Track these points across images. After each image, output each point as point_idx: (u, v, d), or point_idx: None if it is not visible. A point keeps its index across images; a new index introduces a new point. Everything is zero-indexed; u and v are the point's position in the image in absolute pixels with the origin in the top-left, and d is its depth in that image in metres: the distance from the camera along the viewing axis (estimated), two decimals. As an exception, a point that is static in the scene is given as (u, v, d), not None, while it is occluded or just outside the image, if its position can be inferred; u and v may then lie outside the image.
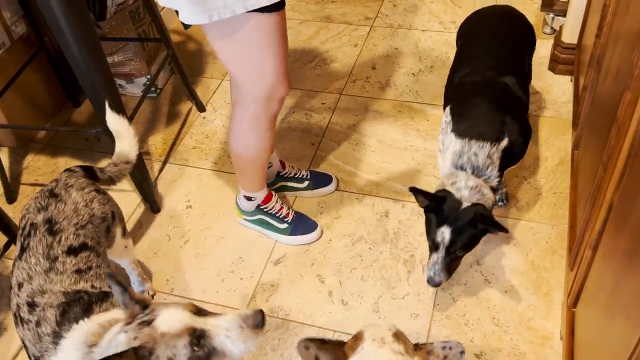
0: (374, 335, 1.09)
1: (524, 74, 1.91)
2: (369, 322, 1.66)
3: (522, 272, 1.85)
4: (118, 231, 1.64)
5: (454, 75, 1.93)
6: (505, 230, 1.57)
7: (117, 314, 1.23)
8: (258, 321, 1.09)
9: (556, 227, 1.95)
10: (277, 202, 2.02)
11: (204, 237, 2.07)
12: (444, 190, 1.64)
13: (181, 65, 2.47)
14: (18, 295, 1.32)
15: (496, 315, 1.75)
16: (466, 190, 1.62)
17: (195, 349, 1.06)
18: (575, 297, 1.53)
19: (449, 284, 1.82)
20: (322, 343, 1.07)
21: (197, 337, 1.06)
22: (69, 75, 2.49)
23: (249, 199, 2.00)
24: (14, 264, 1.38)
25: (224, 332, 1.08)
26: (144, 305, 1.12)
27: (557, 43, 2.45)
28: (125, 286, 1.13)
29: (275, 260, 1.98)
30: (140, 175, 2.11)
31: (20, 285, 1.32)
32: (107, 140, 2.38)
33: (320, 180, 2.17)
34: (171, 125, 2.53)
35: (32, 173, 2.38)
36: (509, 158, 1.73)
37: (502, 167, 1.72)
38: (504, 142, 1.69)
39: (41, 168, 2.40)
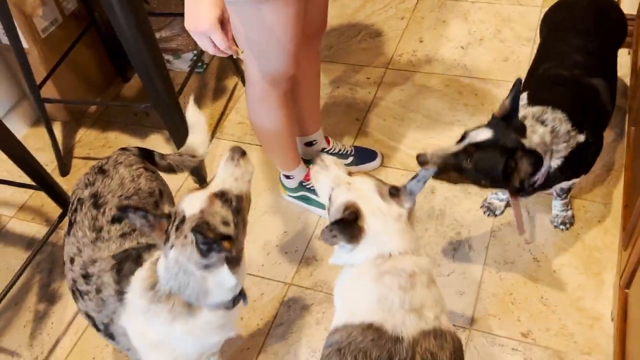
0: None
1: (615, 77, 1.75)
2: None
3: (573, 252, 1.80)
4: (166, 209, 1.66)
5: (538, 66, 1.76)
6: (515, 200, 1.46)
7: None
8: (238, 150, 1.28)
9: (609, 205, 1.89)
10: None
11: (249, 212, 2.09)
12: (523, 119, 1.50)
13: (227, 40, 2.47)
14: (72, 270, 1.37)
15: (544, 295, 1.72)
16: (538, 136, 1.47)
17: (228, 203, 1.20)
18: (629, 278, 1.48)
19: (495, 262, 1.80)
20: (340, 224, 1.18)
21: (221, 195, 1.20)
22: (118, 50, 2.53)
23: (287, 177, 2.01)
24: (64, 240, 1.43)
25: (229, 178, 1.24)
26: (168, 215, 1.20)
27: (615, 14, 2.33)
28: (142, 209, 1.18)
29: (320, 235, 1.99)
30: (188, 150, 2.14)
31: (72, 260, 1.37)
32: (155, 115, 2.42)
33: (364, 156, 2.15)
34: (217, 100, 2.55)
35: (84, 147, 2.45)
36: (576, 162, 1.58)
37: (569, 169, 1.58)
38: (581, 137, 1.54)
39: (92, 142, 2.46)
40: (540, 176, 1.50)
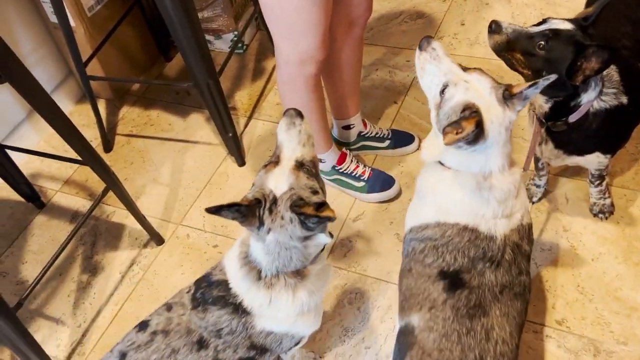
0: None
1: None
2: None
3: (612, 241, 1.77)
4: None
5: None
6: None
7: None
8: (295, 113, 1.25)
9: (652, 195, 1.85)
10: (352, 161, 2.03)
11: (285, 191, 2.11)
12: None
13: (267, 21, 2.49)
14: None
15: (581, 283, 1.70)
16: None
17: (310, 172, 1.21)
18: (670, 269, 1.46)
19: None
20: None
21: (301, 166, 1.20)
22: (161, 30, 2.58)
23: (320, 160, 2.02)
24: None
25: (297, 146, 1.22)
26: (257, 200, 1.17)
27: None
28: (233, 204, 1.14)
29: (355, 217, 2.00)
30: (227, 130, 2.18)
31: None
32: (196, 95, 2.46)
33: (401, 139, 2.15)
34: (256, 81, 2.57)
35: (127, 124, 2.51)
36: (613, 125, 1.53)
37: (604, 129, 1.53)
38: (624, 99, 1.50)
39: (135, 120, 2.52)
40: (581, 108, 1.47)
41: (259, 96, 2.50)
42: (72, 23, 2.20)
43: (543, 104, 1.51)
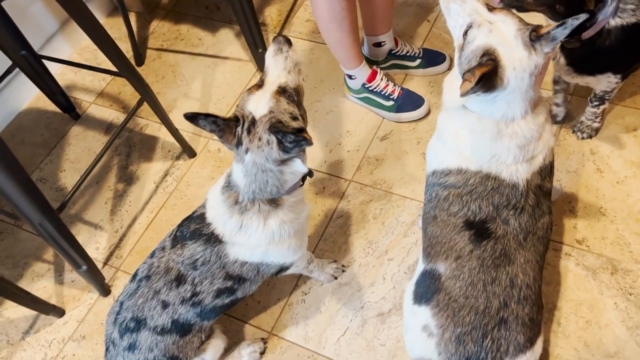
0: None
1: None
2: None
3: (639, 165, 1.78)
4: None
5: None
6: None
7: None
8: (284, 41, 1.27)
9: (685, 121, 1.83)
10: (382, 79, 2.03)
11: (314, 110, 2.14)
12: None
13: None
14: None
15: (604, 205, 1.72)
16: None
17: (291, 98, 1.24)
18: (695, 192, 1.47)
19: (557, 170, 1.80)
20: None
21: (283, 91, 1.23)
22: (190, -59, 2.52)
23: (350, 77, 2.02)
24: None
25: (283, 72, 1.25)
26: (236, 118, 1.23)
27: None
28: (211, 114, 1.20)
29: (382, 136, 2.03)
30: (257, 46, 2.18)
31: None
32: (226, 9, 2.44)
33: (432, 58, 2.13)
34: (286, -4, 2.54)
35: (157, 38, 2.52)
36: (628, 44, 1.50)
37: (620, 48, 1.50)
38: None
39: (165, 34, 2.53)
40: (596, 24, 1.44)
41: (288, 12, 2.48)
42: None
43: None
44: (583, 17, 1.13)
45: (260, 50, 2.19)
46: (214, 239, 1.36)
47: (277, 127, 1.19)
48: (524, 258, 1.26)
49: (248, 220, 1.32)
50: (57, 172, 2.15)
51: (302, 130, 1.22)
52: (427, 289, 1.32)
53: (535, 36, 1.16)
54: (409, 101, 2.03)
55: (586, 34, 1.47)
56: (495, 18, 1.18)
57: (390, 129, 2.04)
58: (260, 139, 1.21)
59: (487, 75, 1.14)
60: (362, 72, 2.00)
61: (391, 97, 2.03)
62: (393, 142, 2.00)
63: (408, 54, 2.13)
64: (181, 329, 1.41)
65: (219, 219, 1.35)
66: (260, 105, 1.21)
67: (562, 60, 1.60)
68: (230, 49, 2.41)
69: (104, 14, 2.63)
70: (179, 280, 1.38)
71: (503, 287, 1.24)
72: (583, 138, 1.86)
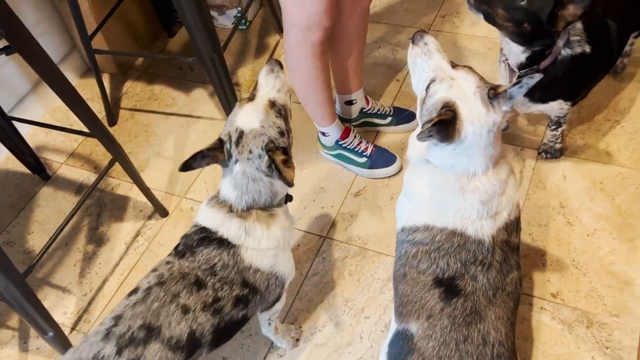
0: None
1: (625, 38, 1.81)
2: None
3: (607, 217, 1.81)
4: None
5: None
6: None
7: None
8: (276, 62, 1.36)
9: (648, 174, 1.88)
10: (355, 137, 2.06)
11: (288, 166, 2.14)
12: None
13: (271, -3, 2.50)
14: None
15: (576, 258, 1.74)
16: None
17: (280, 112, 1.32)
18: (662, 244, 1.50)
19: (529, 224, 1.82)
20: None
21: (273, 105, 1.31)
22: (165, 5, 2.59)
23: (323, 134, 2.04)
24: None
25: (272, 90, 1.33)
26: (219, 140, 1.30)
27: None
28: (197, 153, 1.26)
29: (356, 192, 2.04)
30: (230, 105, 2.20)
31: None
32: (199, 70, 2.48)
33: (403, 116, 2.17)
34: (260, 57, 2.59)
35: (131, 99, 2.53)
36: (576, 71, 1.64)
37: (570, 75, 1.63)
38: (587, 47, 1.60)
39: (139, 94, 2.54)
40: (552, 54, 1.57)
41: (261, 72, 2.52)
42: (77, -4, 2.21)
43: (520, 54, 1.60)
44: (538, 77, 1.18)
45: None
46: (226, 243, 1.32)
47: (270, 149, 1.26)
48: (494, 314, 1.25)
49: (251, 224, 1.32)
50: (25, 234, 2.10)
51: (288, 159, 1.29)
52: (401, 350, 1.29)
53: (493, 94, 1.20)
54: (381, 158, 2.06)
55: (543, 64, 1.58)
56: (457, 75, 1.23)
57: (364, 185, 2.05)
58: (251, 152, 1.27)
59: (445, 122, 1.17)
60: (335, 130, 2.03)
61: (364, 154, 2.05)
62: (367, 198, 2.01)
63: (379, 112, 2.17)
64: (191, 347, 1.28)
65: (222, 225, 1.33)
66: (251, 118, 1.28)
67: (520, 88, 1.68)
68: (204, 108, 2.43)
69: (77, 75, 2.65)
70: (199, 285, 1.29)
71: (476, 346, 1.22)
72: (547, 158, 1.97)
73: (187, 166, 1.27)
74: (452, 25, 2.51)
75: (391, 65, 2.42)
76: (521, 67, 1.62)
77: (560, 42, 1.57)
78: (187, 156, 2.18)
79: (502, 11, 1.49)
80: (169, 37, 2.76)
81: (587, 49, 1.61)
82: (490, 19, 1.54)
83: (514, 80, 1.66)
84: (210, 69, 2.08)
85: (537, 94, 1.70)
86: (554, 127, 1.88)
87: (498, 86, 1.21)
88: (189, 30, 1.98)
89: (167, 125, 2.39)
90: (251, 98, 1.33)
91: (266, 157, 1.26)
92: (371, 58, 2.46)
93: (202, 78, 2.51)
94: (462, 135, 1.19)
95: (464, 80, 1.21)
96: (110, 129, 2.40)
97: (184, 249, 1.35)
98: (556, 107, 1.75)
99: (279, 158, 1.26)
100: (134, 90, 2.56)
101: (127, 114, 2.47)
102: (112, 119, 2.43)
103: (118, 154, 1.83)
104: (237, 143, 1.27)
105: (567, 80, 1.65)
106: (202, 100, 2.46)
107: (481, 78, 1.23)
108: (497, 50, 2.35)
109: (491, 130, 1.20)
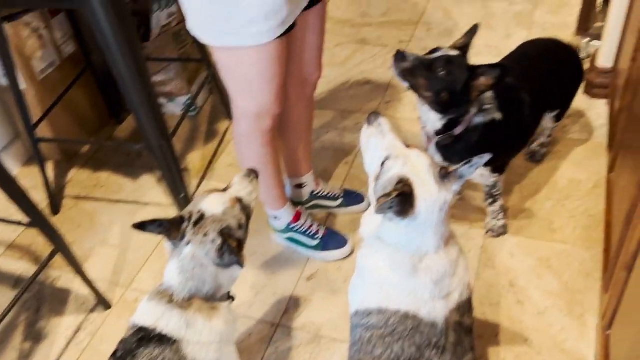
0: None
1: (540, 109, 1.92)
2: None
3: (556, 295, 1.84)
4: None
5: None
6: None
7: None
8: (254, 171, 1.44)
9: (590, 249, 1.94)
10: (306, 220, 2.06)
11: (238, 252, 2.11)
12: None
13: (220, 85, 2.54)
14: None
15: (529, 337, 1.74)
16: None
17: (244, 209, 1.36)
18: (610, 320, 1.52)
19: (480, 303, 1.82)
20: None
21: (240, 200, 1.36)
22: (113, 92, 2.60)
23: (275, 217, 2.04)
24: None
25: (243, 190, 1.39)
26: (180, 217, 1.31)
27: (593, 67, 2.45)
28: (156, 220, 1.28)
29: (308, 276, 2.01)
30: (179, 191, 2.18)
31: None
32: (147, 156, 2.46)
33: (353, 198, 2.20)
34: (209, 143, 2.60)
35: (75, 187, 2.47)
36: (490, 136, 1.72)
37: (484, 139, 1.72)
38: (499, 115, 1.70)
39: (84, 182, 2.49)
40: (465, 121, 1.67)
41: (211, 158, 2.53)
42: (22, 85, 2.20)
43: (437, 122, 1.69)
44: (487, 156, 1.23)
45: (182, 195, 2.19)
46: (166, 339, 1.25)
47: (225, 233, 1.27)
48: None
49: (192, 317, 1.27)
50: (-45, 333, 1.96)
51: (241, 241, 1.33)
52: None
53: (444, 173, 1.24)
54: (333, 240, 2.05)
55: (457, 130, 1.68)
56: (410, 153, 1.27)
57: (317, 268, 2.03)
58: (205, 235, 1.27)
59: (405, 195, 1.19)
60: (286, 213, 2.02)
61: (316, 236, 2.04)
62: (320, 282, 1.98)
63: (329, 195, 2.19)
64: None
65: (161, 319, 1.27)
66: (215, 205, 1.31)
67: (439, 158, 1.78)
68: (152, 194, 2.39)
69: (20, 163, 2.58)
70: None
71: None
72: (495, 236, 2.01)
73: (141, 226, 1.27)
74: (396, 110, 2.60)
75: (339, 149, 2.47)
76: (438, 132, 1.72)
77: (473, 110, 1.67)
78: (133, 244, 2.14)
79: (423, 81, 1.61)
80: (117, 123, 2.75)
81: (498, 116, 1.70)
82: (413, 88, 1.65)
83: (432, 146, 1.78)
84: (159, 155, 2.07)
85: (455, 159, 1.74)
86: (490, 201, 1.95)
87: (449, 166, 1.26)
88: (137, 117, 1.99)
89: (113, 212, 2.33)
90: (222, 190, 1.38)
91: (219, 241, 1.26)
92: (320, 142, 2.50)
93: (150, 164, 2.49)
94: (416, 211, 1.21)
95: (417, 158, 1.26)
96: (53, 218, 2.33)
97: (123, 354, 1.28)
98: (485, 174, 1.84)
99: (232, 243, 1.27)
100: (79, 178, 2.51)
101: (71, 202, 2.40)
102: (55, 208, 2.36)
103: (60, 245, 1.76)
104: (195, 224, 1.28)
105: (481, 147, 1.70)
106: (149, 187, 2.42)
107: (432, 158, 1.28)
108: (440, 134, 2.44)
109: (442, 208, 1.23)
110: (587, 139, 2.32)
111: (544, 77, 1.92)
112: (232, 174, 2.41)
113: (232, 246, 1.26)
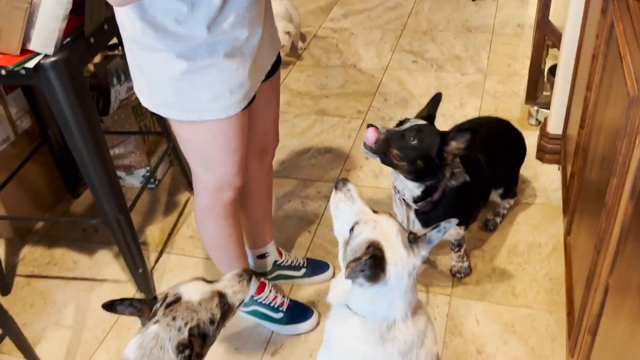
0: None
1: (493, 172, 2.03)
2: None
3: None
4: None
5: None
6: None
7: None
8: (248, 272, 1.40)
9: (554, 313, 1.95)
10: (270, 291, 2.01)
11: (199, 328, 2.04)
12: None
13: (181, 157, 2.53)
14: None
15: (499, 406, 1.71)
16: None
17: (223, 306, 1.31)
18: (578, 385, 1.51)
19: (449, 373, 1.79)
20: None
21: (221, 296, 1.31)
22: (70, 166, 2.55)
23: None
24: None
25: (230, 288, 1.34)
26: (153, 297, 1.28)
27: (543, 134, 2.55)
28: (126, 299, 1.25)
29: (273, 351, 1.95)
30: (137, 266, 2.11)
31: None
32: (105, 231, 2.40)
33: (317, 267, 2.17)
34: (169, 215, 2.56)
35: (28, 265, 2.38)
36: (462, 197, 1.81)
37: (457, 201, 1.81)
38: (467, 177, 1.80)
39: (37, 260, 2.40)
40: (440, 188, 1.75)
41: (171, 230, 2.48)
42: (-26, 161, 2.14)
43: (415, 189, 1.76)
44: (454, 221, 1.25)
45: (140, 270, 2.12)
46: None
47: (192, 333, 1.21)
48: None
49: None
50: None
51: (206, 343, 1.26)
52: None
53: (413, 238, 1.24)
54: (298, 313, 2.01)
55: (435, 196, 1.76)
56: (379, 218, 1.28)
57: (281, 342, 1.97)
58: (174, 319, 1.22)
59: (374, 259, 1.18)
60: (250, 285, 1.98)
61: (280, 309, 2.00)
62: (284, 357, 1.92)
63: (292, 264, 2.16)
64: None
65: None
66: (195, 292, 1.27)
67: (418, 224, 1.84)
68: (108, 270, 2.31)
69: (-32, 241, 2.48)
70: None
71: None
72: (461, 278, 2.09)
73: (111, 306, 1.24)
74: (357, 178, 2.63)
75: (302, 217, 2.46)
76: (417, 199, 1.78)
77: (447, 175, 1.75)
78: (88, 323, 2.05)
79: (396, 151, 1.66)
80: (73, 198, 2.69)
81: (467, 177, 1.80)
82: (386, 160, 1.69)
83: (411, 213, 1.82)
84: (116, 230, 2.01)
85: (432, 222, 1.79)
86: (456, 249, 2.04)
87: (417, 232, 1.27)
88: (94, 191, 1.94)
89: (67, 291, 2.24)
90: (207, 282, 1.34)
91: (182, 337, 1.20)
92: (282, 211, 2.49)
93: (107, 239, 2.42)
94: (387, 276, 1.20)
95: (386, 223, 1.26)
96: (3, 299, 2.21)
97: None
98: (453, 233, 1.94)
99: (195, 347, 1.21)
100: (32, 256, 2.42)
101: (22, 282, 2.30)
102: (6, 288, 2.25)
103: (9, 328, 1.67)
104: (168, 306, 1.24)
105: (457, 207, 1.81)
106: (106, 263, 2.35)
107: (400, 224, 1.29)
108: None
109: (411, 274, 1.23)
110: (543, 202, 2.38)
111: (490, 154, 2.03)
112: (192, 246, 2.38)
113: (192, 352, 1.20)
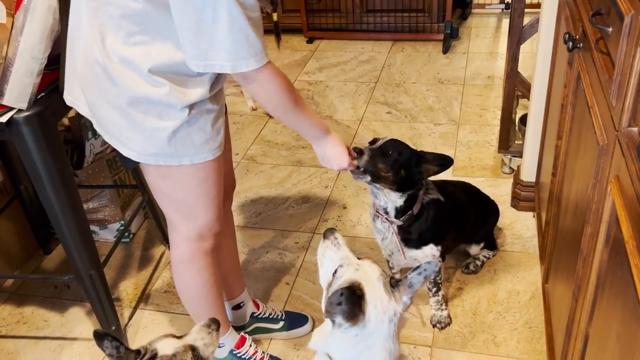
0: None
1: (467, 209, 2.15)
2: None
3: (507, 412, 1.79)
4: None
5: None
6: None
7: None
8: (216, 322, 1.41)
9: (536, 362, 1.93)
10: (250, 346, 1.96)
11: (175, 387, 1.96)
12: None
13: (156, 210, 2.50)
14: None
15: None
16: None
17: (197, 357, 1.33)
18: None
19: None
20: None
21: (193, 349, 1.33)
22: (41, 222, 2.50)
23: (217, 345, 1.93)
24: None
25: (200, 341, 1.36)
26: (138, 351, 1.29)
27: (517, 181, 2.58)
28: (118, 339, 1.28)
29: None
30: (110, 323, 2.05)
31: None
32: (77, 287, 2.33)
33: (295, 320, 2.13)
34: (143, 269, 2.50)
35: (-5, 324, 2.29)
36: (437, 214, 1.92)
37: (432, 217, 1.92)
38: (441, 197, 1.94)
39: (5, 319, 2.31)
40: (419, 201, 1.87)
41: (145, 285, 2.42)
42: (-58, 218, 2.08)
43: (398, 200, 1.85)
44: (435, 265, 1.29)
45: (113, 327, 2.06)
46: None
47: None
48: None
49: None
50: None
51: None
52: None
53: (394, 282, 1.28)
54: (276, 368, 1.95)
55: (416, 207, 1.86)
56: (362, 263, 1.33)
57: (259, 400, 1.91)
58: None
59: (354, 292, 1.20)
60: (229, 339, 1.92)
61: (259, 365, 1.94)
62: (263, 416, 1.86)
63: (270, 316, 2.12)
64: None
65: None
66: (168, 346, 1.30)
67: (398, 239, 1.92)
68: (80, 328, 2.23)
69: None
70: None
71: None
72: (442, 328, 2.08)
73: (102, 337, 1.26)
74: (335, 227, 2.61)
75: (280, 269, 2.43)
76: (399, 211, 1.86)
77: (422, 189, 1.88)
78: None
79: (382, 165, 1.77)
80: (45, 254, 2.62)
81: (441, 197, 1.95)
82: (375, 175, 1.78)
83: (395, 229, 1.89)
84: (89, 286, 1.96)
85: (412, 237, 1.93)
86: (434, 289, 2.05)
87: (397, 278, 1.32)
88: (66, 247, 1.90)
89: (37, 351, 2.15)
90: (179, 337, 1.36)
91: None
92: (260, 263, 2.46)
93: (80, 295, 2.35)
94: (366, 318, 1.21)
95: (368, 267, 1.32)
96: (-33, 361, 2.12)
97: None
98: (429, 253, 1.94)
99: None
100: (0, 315, 2.33)
101: (-11, 342, 2.20)
102: (-29, 349, 2.16)
103: (-28, 393, 1.59)
104: None
105: (434, 221, 1.91)
106: (78, 320, 2.27)
107: (382, 269, 1.33)
108: (377, 250, 2.46)
109: (392, 320, 1.24)
110: (520, 250, 2.39)
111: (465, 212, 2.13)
112: (167, 301, 2.32)
113: None
